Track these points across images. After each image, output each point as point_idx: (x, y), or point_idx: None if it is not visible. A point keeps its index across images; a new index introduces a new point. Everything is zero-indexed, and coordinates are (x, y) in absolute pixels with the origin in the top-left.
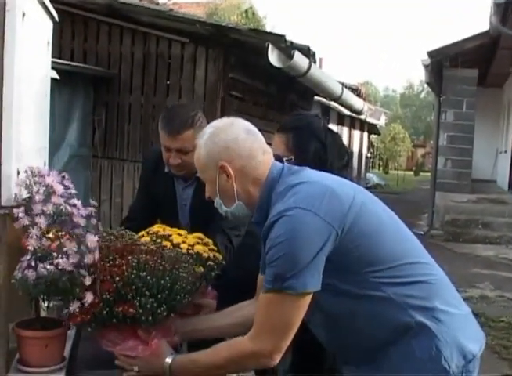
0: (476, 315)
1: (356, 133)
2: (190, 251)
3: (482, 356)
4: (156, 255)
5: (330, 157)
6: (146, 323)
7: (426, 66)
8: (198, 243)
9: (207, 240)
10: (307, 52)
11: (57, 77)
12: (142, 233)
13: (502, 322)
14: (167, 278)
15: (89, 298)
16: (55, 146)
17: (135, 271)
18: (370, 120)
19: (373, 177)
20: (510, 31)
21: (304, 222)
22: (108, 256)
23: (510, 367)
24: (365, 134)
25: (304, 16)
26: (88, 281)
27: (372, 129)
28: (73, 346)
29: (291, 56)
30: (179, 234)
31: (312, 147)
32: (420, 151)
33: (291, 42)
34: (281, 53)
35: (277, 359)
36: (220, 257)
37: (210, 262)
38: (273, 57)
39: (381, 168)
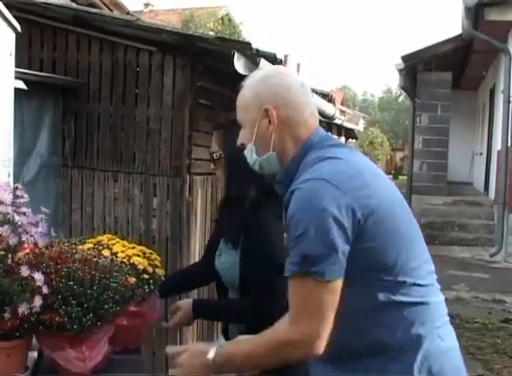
0: (451, 316)
1: None
2: (125, 261)
3: None
4: (88, 264)
5: None
6: (72, 331)
7: (400, 71)
8: (139, 255)
9: (154, 256)
10: (273, 59)
11: (24, 87)
12: (91, 240)
13: (477, 323)
14: (95, 287)
15: (38, 302)
16: (25, 155)
17: (63, 280)
18: (347, 125)
19: None
20: (482, 35)
21: (328, 195)
22: (42, 264)
23: (484, 368)
24: (343, 139)
25: (282, 22)
26: (40, 283)
27: (349, 134)
28: (38, 355)
29: (257, 64)
30: (124, 245)
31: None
32: (399, 155)
33: (257, 50)
34: (247, 61)
35: (319, 347)
36: (161, 273)
37: (145, 275)
38: (239, 65)
39: None
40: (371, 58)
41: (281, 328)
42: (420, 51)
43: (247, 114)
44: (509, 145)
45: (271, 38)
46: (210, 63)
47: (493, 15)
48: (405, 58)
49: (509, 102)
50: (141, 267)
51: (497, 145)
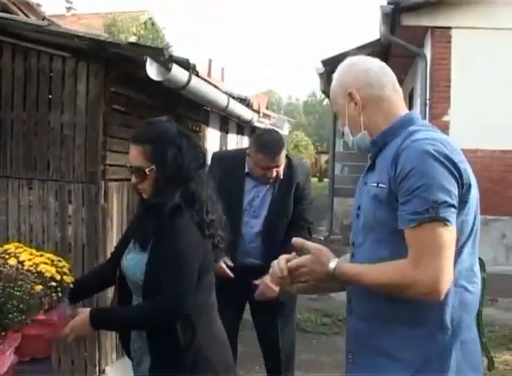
0: None
1: None
2: (31, 269)
3: None
4: None
5: (187, 160)
6: None
7: (320, 75)
8: (46, 263)
9: (62, 263)
10: (186, 65)
11: None
12: None
13: None
14: None
15: None
16: None
17: None
18: (271, 128)
19: None
20: (398, 40)
21: (446, 155)
22: None
23: None
24: None
25: (208, 26)
26: None
27: None
28: None
29: (170, 69)
30: (31, 253)
31: (170, 154)
32: (324, 158)
33: (170, 55)
34: (160, 66)
35: (440, 291)
36: (69, 280)
37: (53, 283)
38: (152, 70)
39: None
40: (296, 62)
41: (405, 268)
42: (340, 55)
43: (337, 103)
44: None
45: (196, 43)
46: (123, 69)
47: (409, 20)
48: (325, 62)
49: (425, 105)
50: (48, 275)
51: None
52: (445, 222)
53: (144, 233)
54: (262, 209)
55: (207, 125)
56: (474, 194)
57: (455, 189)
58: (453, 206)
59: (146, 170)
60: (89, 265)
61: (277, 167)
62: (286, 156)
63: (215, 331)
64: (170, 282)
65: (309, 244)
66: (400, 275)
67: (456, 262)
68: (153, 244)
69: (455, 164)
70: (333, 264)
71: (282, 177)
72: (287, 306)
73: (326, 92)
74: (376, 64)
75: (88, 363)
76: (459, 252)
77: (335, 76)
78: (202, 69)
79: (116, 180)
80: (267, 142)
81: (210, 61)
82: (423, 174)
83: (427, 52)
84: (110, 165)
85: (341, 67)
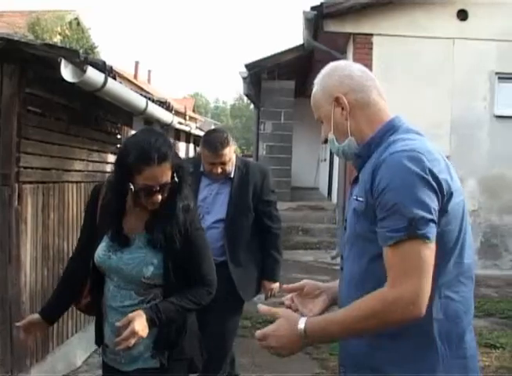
0: None
1: (182, 145)
2: None
3: (294, 357)
4: None
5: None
6: None
7: (244, 79)
8: None
9: None
10: (102, 67)
11: None
12: None
13: None
14: None
15: None
16: None
17: None
18: (196, 131)
19: None
20: (321, 46)
21: (424, 167)
22: None
23: (320, 366)
24: (192, 145)
25: (135, 29)
26: None
27: (199, 140)
28: None
29: (85, 71)
30: None
31: (184, 160)
32: None
33: (85, 57)
34: (75, 68)
35: (421, 306)
36: None
37: None
38: (66, 72)
39: None
40: (223, 65)
41: (381, 292)
42: (263, 59)
43: (322, 109)
44: None
45: (124, 45)
46: (39, 70)
47: (332, 26)
48: (248, 66)
49: None
50: None
51: None
52: (423, 239)
53: (165, 234)
54: (214, 206)
55: (131, 128)
56: (458, 202)
57: (433, 203)
58: (432, 221)
59: (176, 180)
60: (1, 268)
61: (222, 164)
62: (242, 159)
63: (193, 316)
64: (210, 268)
65: (276, 309)
66: (380, 300)
67: (440, 274)
68: (174, 241)
69: (434, 176)
70: (302, 321)
71: (237, 177)
72: (237, 306)
73: (249, 95)
74: (357, 69)
75: None
76: (442, 264)
77: (317, 81)
78: (129, 71)
79: (30, 182)
80: (211, 139)
81: (136, 63)
82: (400, 189)
83: (350, 57)
84: (25, 167)
85: (323, 72)
